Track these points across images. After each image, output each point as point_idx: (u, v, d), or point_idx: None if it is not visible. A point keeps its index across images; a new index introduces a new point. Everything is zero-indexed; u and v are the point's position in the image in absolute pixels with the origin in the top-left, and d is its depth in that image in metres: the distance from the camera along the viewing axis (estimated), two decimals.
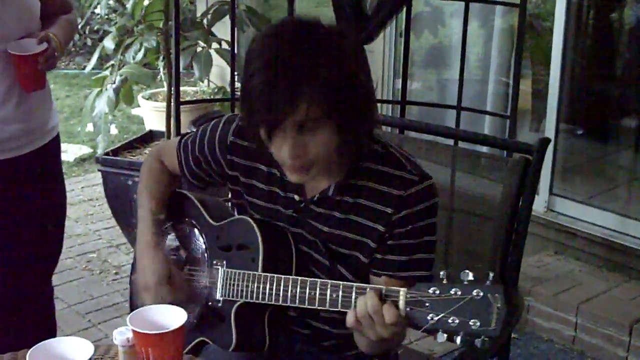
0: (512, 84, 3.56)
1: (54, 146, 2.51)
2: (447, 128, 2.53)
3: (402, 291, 1.51)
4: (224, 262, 1.81)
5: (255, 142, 1.70)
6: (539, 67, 4.70)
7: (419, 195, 1.70)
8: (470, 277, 1.45)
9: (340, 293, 1.60)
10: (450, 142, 2.84)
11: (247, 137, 1.78)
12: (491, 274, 1.45)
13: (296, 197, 1.79)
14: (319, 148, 1.61)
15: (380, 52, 5.02)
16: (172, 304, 1.74)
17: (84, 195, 5.26)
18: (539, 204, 4.08)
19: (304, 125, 1.57)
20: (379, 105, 3.97)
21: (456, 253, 2.28)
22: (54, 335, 2.64)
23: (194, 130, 1.99)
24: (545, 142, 2.10)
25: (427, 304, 1.47)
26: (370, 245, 1.73)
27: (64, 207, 2.64)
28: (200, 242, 1.91)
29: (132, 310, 2.07)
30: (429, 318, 1.47)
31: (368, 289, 1.56)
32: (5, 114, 2.30)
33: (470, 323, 1.43)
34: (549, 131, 4.15)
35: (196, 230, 1.93)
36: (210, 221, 1.91)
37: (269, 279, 1.69)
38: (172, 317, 1.55)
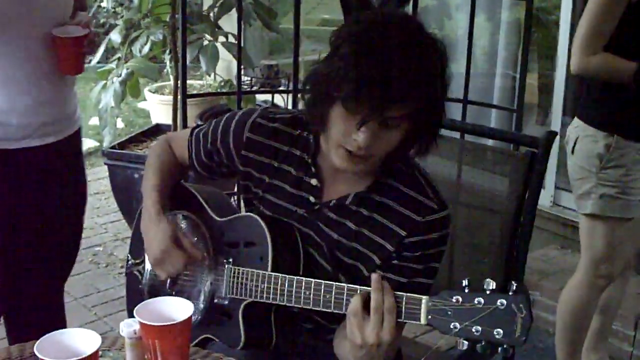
0: (518, 77, 3.55)
1: (79, 135, 2.51)
2: (453, 121, 2.52)
3: (424, 299, 1.50)
4: (230, 259, 1.79)
5: (315, 120, 1.67)
6: (546, 61, 4.69)
7: (434, 224, 1.69)
8: (492, 285, 1.44)
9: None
10: (457, 135, 2.84)
11: (311, 113, 1.69)
12: (514, 283, 1.43)
13: (312, 198, 1.77)
14: (386, 144, 1.61)
15: None
16: (185, 269, 1.79)
17: (90, 189, 5.22)
18: (545, 199, 4.08)
19: (389, 121, 1.57)
20: None
21: (462, 247, 2.28)
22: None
23: (206, 122, 1.97)
24: (551, 135, 2.10)
25: (449, 312, 1.46)
26: (375, 261, 1.72)
27: (85, 198, 2.65)
28: (203, 237, 1.88)
29: (128, 301, 2.07)
30: (451, 326, 1.46)
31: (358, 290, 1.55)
32: (44, 98, 2.29)
33: (494, 333, 1.42)
34: (555, 125, 4.14)
35: (199, 226, 1.90)
36: (214, 216, 1.88)
37: (280, 279, 1.67)
38: (179, 309, 1.55)
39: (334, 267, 1.75)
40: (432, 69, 1.56)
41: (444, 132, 2.39)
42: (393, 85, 1.51)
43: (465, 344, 1.45)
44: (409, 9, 3.66)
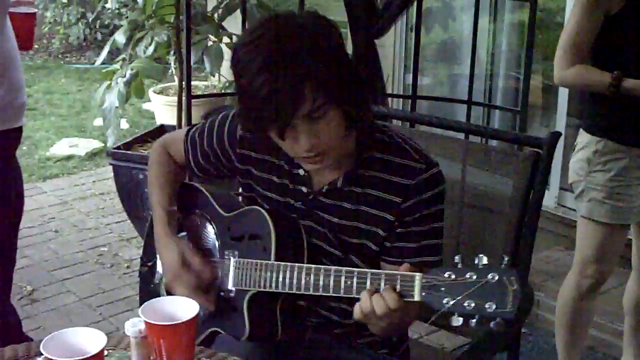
0: (522, 78, 3.56)
1: None
2: (458, 122, 2.53)
3: (418, 276, 1.52)
4: (236, 253, 1.81)
5: (263, 140, 1.72)
6: (550, 62, 4.69)
7: (425, 183, 1.72)
8: (485, 261, 1.47)
9: (355, 280, 1.60)
10: (461, 136, 2.85)
11: (254, 136, 1.80)
12: (506, 258, 1.46)
13: (304, 189, 1.81)
14: (330, 133, 1.64)
15: (390, 47, 5.03)
16: (197, 288, 1.80)
17: (95, 189, 5.29)
18: (550, 200, 4.08)
19: (313, 114, 1.59)
20: (389, 99, 3.98)
21: (466, 247, 2.28)
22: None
23: (201, 122, 2.00)
24: (555, 135, 2.10)
25: (442, 288, 1.49)
26: (380, 234, 1.75)
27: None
28: (211, 233, 1.92)
29: (141, 303, 2.08)
30: (444, 302, 1.48)
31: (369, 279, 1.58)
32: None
33: (486, 306, 1.44)
34: (560, 126, 4.14)
35: (206, 222, 1.93)
36: (221, 212, 1.91)
37: (282, 267, 1.70)
38: (185, 308, 1.56)
39: (343, 251, 1.78)
40: (315, 54, 1.56)
41: (448, 133, 2.42)
42: (283, 94, 1.54)
43: (459, 320, 1.47)
44: (413, 10, 3.68)
